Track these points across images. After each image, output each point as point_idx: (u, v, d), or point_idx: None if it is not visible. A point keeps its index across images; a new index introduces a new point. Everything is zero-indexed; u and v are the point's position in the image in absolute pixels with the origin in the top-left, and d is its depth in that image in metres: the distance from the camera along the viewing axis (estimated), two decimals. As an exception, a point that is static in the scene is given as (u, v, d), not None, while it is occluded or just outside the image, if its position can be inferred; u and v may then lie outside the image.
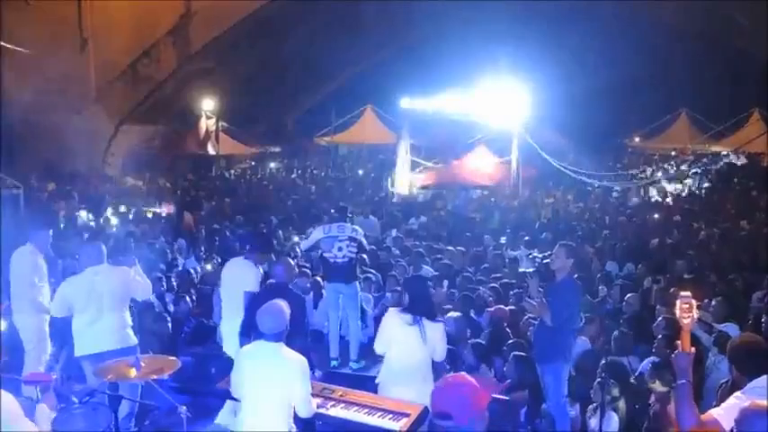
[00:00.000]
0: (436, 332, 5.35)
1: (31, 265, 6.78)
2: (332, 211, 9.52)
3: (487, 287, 9.22)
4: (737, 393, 3.54)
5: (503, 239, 13.28)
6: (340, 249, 7.93)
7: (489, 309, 8.11)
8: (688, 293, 3.67)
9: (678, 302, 3.65)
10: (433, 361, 5.44)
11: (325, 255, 8.07)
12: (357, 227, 8.44)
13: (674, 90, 28.97)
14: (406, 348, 5.33)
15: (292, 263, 6.95)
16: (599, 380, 5.77)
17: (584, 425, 6.06)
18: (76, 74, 19.19)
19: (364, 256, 10.43)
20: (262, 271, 6.74)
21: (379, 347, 5.52)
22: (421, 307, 5.39)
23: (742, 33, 20.54)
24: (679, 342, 3.65)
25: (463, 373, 2.97)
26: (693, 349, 3.62)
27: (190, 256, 11.51)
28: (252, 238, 7.20)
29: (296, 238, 12.36)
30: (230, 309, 6.59)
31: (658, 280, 9.40)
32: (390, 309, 5.67)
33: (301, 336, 5.85)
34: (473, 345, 6.71)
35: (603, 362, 6.19)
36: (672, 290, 8.65)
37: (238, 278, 6.56)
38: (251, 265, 6.62)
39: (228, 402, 5.98)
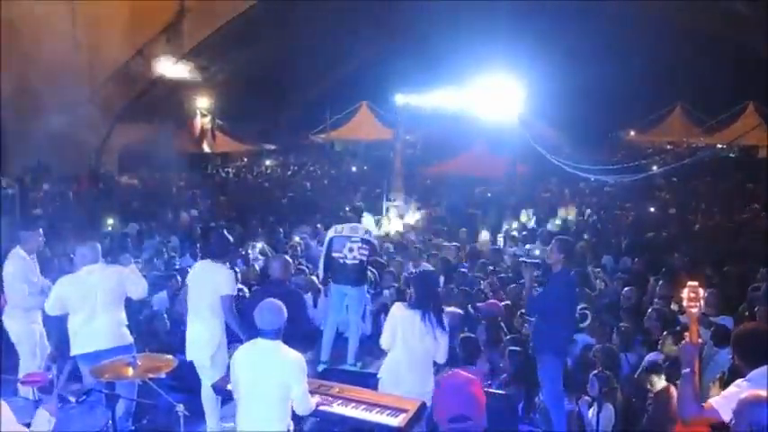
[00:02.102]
0: (444, 332, 5.34)
1: (20, 269, 6.66)
2: (346, 209, 9.26)
3: (485, 282, 9.24)
4: (738, 382, 3.54)
5: (500, 236, 13.28)
6: (351, 250, 7.71)
7: (480, 303, 8.12)
8: (695, 282, 3.67)
9: (685, 291, 3.65)
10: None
11: (333, 254, 7.78)
12: (371, 229, 8.25)
13: (669, 83, 29.01)
14: (412, 345, 5.29)
15: (289, 260, 6.78)
16: (595, 372, 5.79)
17: (581, 417, 6.08)
18: (70, 73, 19.13)
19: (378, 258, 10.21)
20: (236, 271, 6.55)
21: (384, 342, 5.46)
22: (429, 303, 5.36)
23: (739, 25, 20.52)
24: (687, 333, 3.66)
25: (457, 370, 2.95)
26: (701, 340, 3.62)
27: (184, 255, 11.49)
28: (207, 241, 6.58)
29: (297, 238, 12.34)
30: (199, 313, 6.10)
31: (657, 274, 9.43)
32: (397, 303, 5.59)
33: (300, 333, 5.81)
34: (463, 339, 6.71)
35: (596, 350, 6.26)
36: (661, 282, 8.71)
37: (209, 281, 6.08)
38: (221, 266, 6.19)
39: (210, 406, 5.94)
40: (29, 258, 6.76)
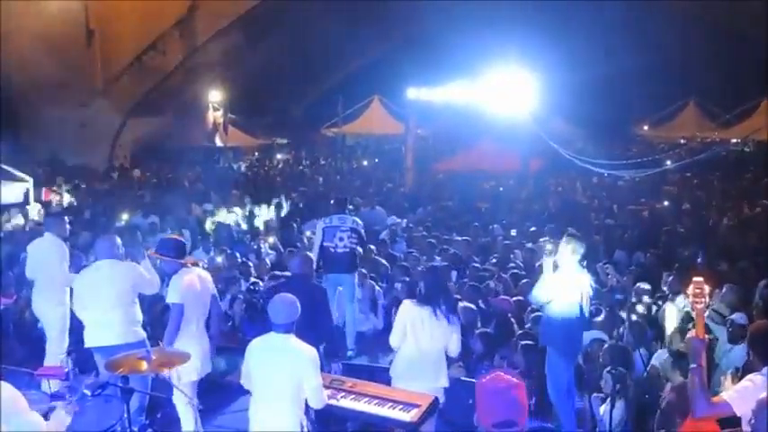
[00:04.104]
0: (455, 326, 5.36)
1: (54, 253, 6.78)
2: (330, 202, 9.56)
3: (497, 278, 9.22)
4: (750, 376, 3.52)
5: (513, 232, 13.22)
6: (341, 240, 8.09)
7: (491, 299, 8.12)
8: (700, 279, 3.66)
9: (690, 287, 3.64)
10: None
11: (325, 244, 8.14)
12: (357, 219, 8.54)
13: (683, 78, 28.78)
14: (423, 341, 5.27)
15: (310, 255, 6.80)
16: (608, 369, 5.76)
17: (593, 414, 6.06)
18: (83, 66, 19.22)
19: (372, 247, 10.52)
20: None
21: (394, 340, 5.41)
22: (439, 298, 5.34)
23: (753, 21, 20.34)
24: (693, 328, 3.65)
25: (500, 372, 2.91)
26: (708, 336, 3.61)
27: (197, 248, 11.51)
28: (166, 245, 5.79)
29: (308, 233, 12.35)
30: (198, 327, 5.64)
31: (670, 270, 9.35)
32: (406, 301, 5.57)
33: (326, 328, 5.80)
34: (480, 334, 6.75)
35: (607, 347, 6.24)
36: (671, 278, 8.65)
37: (206, 290, 5.75)
38: (197, 269, 5.91)
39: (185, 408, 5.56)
40: (61, 243, 6.88)
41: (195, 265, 6.00)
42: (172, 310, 5.45)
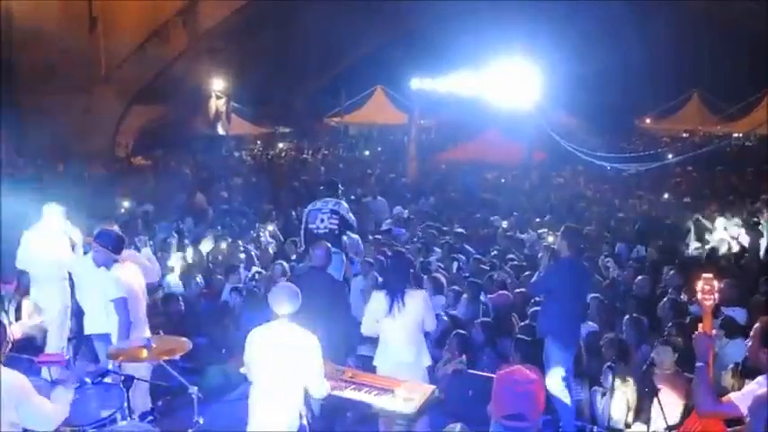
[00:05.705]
0: (416, 300, 5.43)
1: (54, 245, 6.75)
2: (320, 187, 9.67)
3: (501, 270, 9.22)
4: (759, 378, 3.48)
5: (505, 223, 13.22)
6: (321, 221, 8.20)
7: (491, 295, 8.13)
8: (710, 275, 3.63)
9: (700, 283, 3.61)
10: (428, 335, 5.59)
11: (309, 226, 8.30)
12: (343, 202, 8.62)
13: (687, 71, 28.69)
14: (392, 327, 5.41)
15: (330, 246, 6.66)
16: (609, 363, 5.78)
17: (593, 406, 6.07)
18: (86, 54, 19.16)
19: (379, 237, 10.53)
20: None
21: (364, 329, 5.64)
22: (396, 281, 5.48)
23: (755, 15, 20.25)
24: (701, 324, 3.62)
25: (519, 366, 2.86)
26: (714, 332, 3.58)
27: (202, 236, 11.52)
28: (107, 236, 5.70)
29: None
30: (143, 319, 5.81)
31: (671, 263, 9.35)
32: (374, 291, 5.74)
33: (346, 322, 5.82)
34: (481, 323, 6.79)
35: (607, 341, 6.25)
36: (672, 272, 8.66)
37: (141, 282, 5.87)
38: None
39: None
40: (58, 231, 6.83)
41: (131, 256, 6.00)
42: (117, 306, 5.44)
